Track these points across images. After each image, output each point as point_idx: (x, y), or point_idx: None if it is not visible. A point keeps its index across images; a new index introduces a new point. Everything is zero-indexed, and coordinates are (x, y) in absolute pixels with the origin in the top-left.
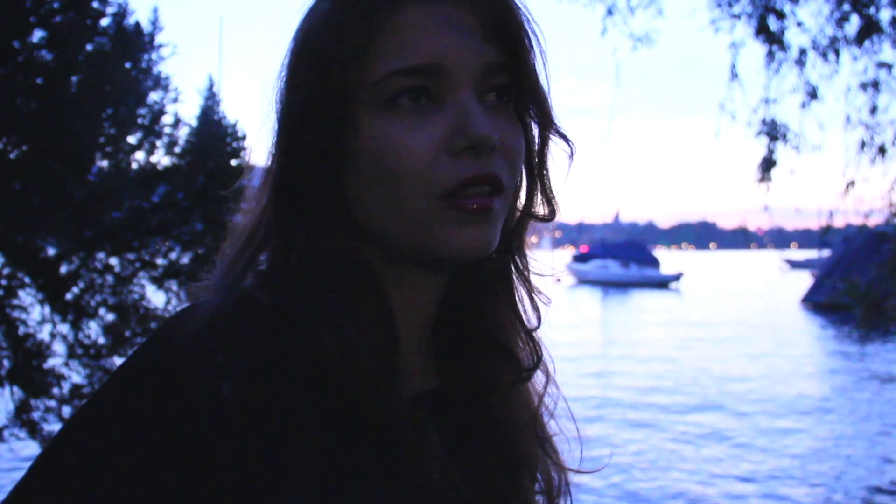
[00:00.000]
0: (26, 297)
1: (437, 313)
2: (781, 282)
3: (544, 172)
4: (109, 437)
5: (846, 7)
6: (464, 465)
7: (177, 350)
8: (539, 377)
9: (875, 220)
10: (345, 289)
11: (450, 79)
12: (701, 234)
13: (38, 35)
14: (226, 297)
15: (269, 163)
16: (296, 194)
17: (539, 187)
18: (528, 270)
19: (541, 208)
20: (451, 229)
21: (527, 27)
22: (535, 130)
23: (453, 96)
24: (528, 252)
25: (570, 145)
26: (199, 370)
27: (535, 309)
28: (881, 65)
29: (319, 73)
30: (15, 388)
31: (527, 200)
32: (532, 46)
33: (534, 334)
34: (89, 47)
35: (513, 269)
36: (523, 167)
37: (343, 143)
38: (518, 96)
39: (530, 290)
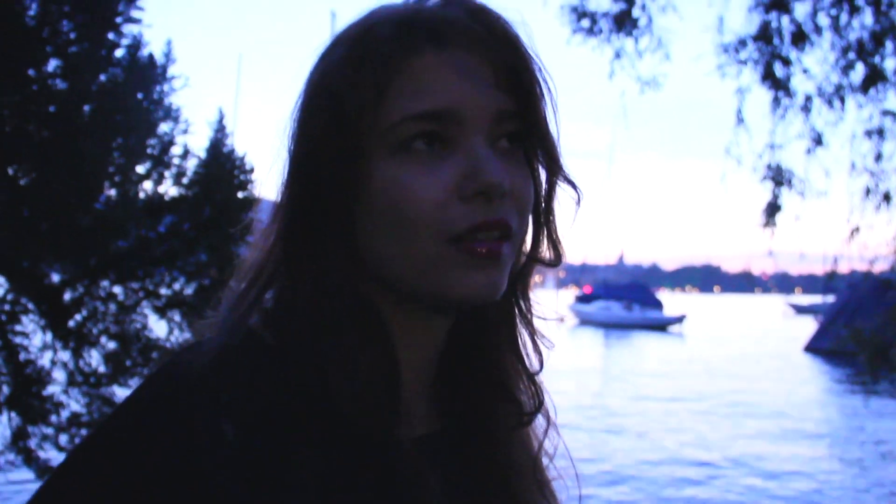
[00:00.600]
0: (28, 322)
1: (441, 355)
2: (785, 327)
3: (551, 218)
4: (111, 474)
5: (851, 55)
6: None
7: (181, 388)
8: (540, 421)
9: (880, 267)
10: (352, 331)
11: (463, 125)
12: (705, 278)
13: (53, 64)
14: (231, 336)
15: (280, 200)
16: (306, 234)
17: (545, 232)
18: (532, 314)
19: (547, 253)
20: (459, 273)
21: (538, 76)
22: (543, 176)
23: (466, 142)
24: (531, 295)
25: (577, 192)
26: (202, 409)
27: (538, 352)
28: (886, 112)
29: (334, 117)
30: (13, 415)
31: (533, 245)
32: (543, 94)
33: (535, 378)
34: (103, 77)
35: (516, 312)
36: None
37: (355, 184)
38: (528, 143)
39: (533, 333)
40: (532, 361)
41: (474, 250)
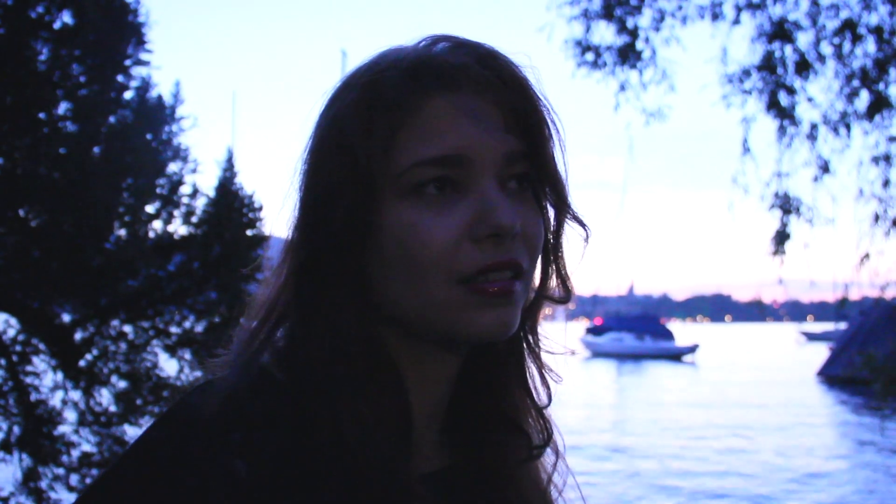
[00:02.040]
0: (40, 362)
1: (451, 391)
2: (798, 354)
3: (560, 254)
4: None
5: (855, 83)
6: None
7: (193, 428)
8: (549, 455)
9: (891, 293)
10: (363, 371)
11: (473, 168)
12: (716, 307)
13: (63, 107)
14: (243, 374)
15: (291, 240)
16: (317, 275)
17: (554, 269)
18: (540, 348)
19: (556, 289)
20: (472, 313)
21: (546, 117)
22: (552, 214)
23: (476, 185)
24: (540, 330)
25: (585, 229)
26: (214, 448)
27: (546, 386)
28: (892, 139)
29: (346, 162)
30: (24, 455)
31: (542, 281)
32: (551, 135)
33: (544, 412)
34: (112, 119)
35: (525, 346)
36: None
37: (367, 228)
38: (537, 182)
39: (541, 367)
40: (540, 395)
41: (486, 290)
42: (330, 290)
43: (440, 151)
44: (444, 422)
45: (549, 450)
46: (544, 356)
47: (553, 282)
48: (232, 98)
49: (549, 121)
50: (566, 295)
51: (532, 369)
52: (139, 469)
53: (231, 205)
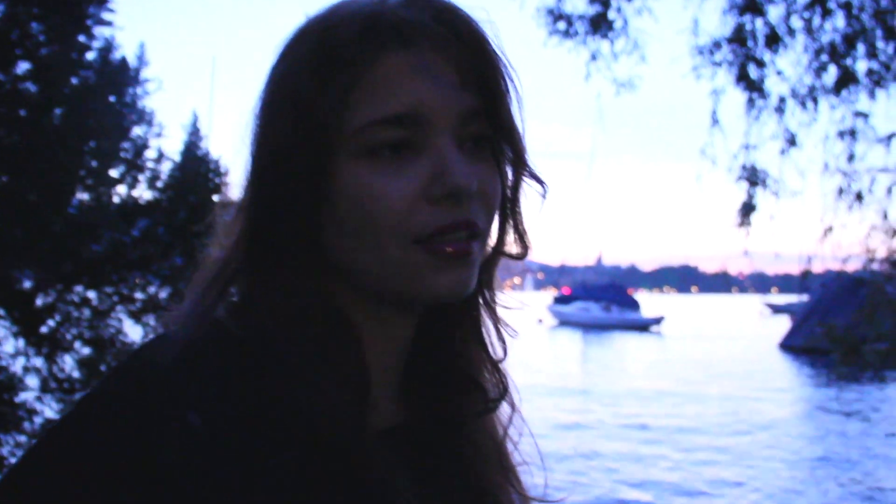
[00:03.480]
0: (0, 329)
1: (409, 347)
2: (762, 326)
3: (517, 210)
4: (73, 470)
5: (824, 58)
6: (431, 497)
7: (146, 381)
8: (504, 408)
9: (853, 266)
10: (315, 329)
11: (429, 126)
12: (683, 278)
13: (22, 67)
14: (197, 327)
15: (242, 199)
16: (270, 234)
17: (512, 225)
18: (496, 303)
19: (513, 246)
20: (429, 274)
21: (503, 73)
22: (510, 171)
23: (432, 144)
24: (496, 285)
25: (543, 186)
26: (168, 401)
27: (502, 340)
28: (858, 114)
29: (298, 119)
30: None
31: (499, 237)
32: (508, 91)
33: (500, 365)
34: (74, 80)
35: (481, 302)
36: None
37: (321, 187)
38: (494, 139)
39: (497, 322)
40: (496, 349)
41: (442, 251)
42: (282, 250)
43: (395, 110)
44: (401, 378)
45: (505, 403)
46: (500, 311)
47: (510, 237)
48: (212, 63)
49: (506, 76)
50: (523, 251)
51: (488, 324)
52: (91, 421)
53: (197, 169)
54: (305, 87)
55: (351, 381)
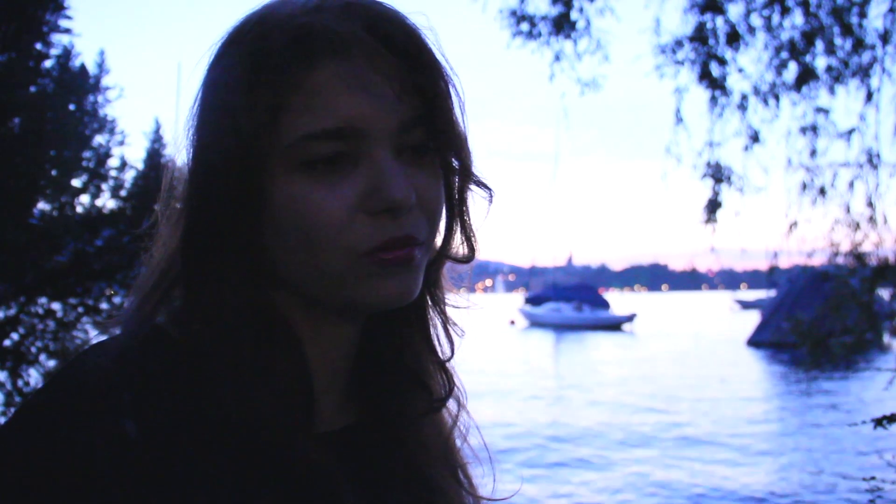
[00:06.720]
0: None
1: (355, 350)
2: (731, 322)
3: (464, 211)
4: (7, 479)
5: (784, 55)
6: (376, 499)
7: (82, 388)
8: (452, 406)
9: (818, 260)
10: (250, 335)
11: (365, 139)
12: (653, 276)
13: None
14: (136, 333)
15: (181, 205)
16: (203, 241)
17: (458, 228)
18: (444, 303)
19: (460, 248)
20: (372, 282)
21: (442, 78)
22: (455, 174)
23: (369, 156)
24: (443, 285)
25: (489, 192)
26: (103, 408)
27: (450, 340)
28: (819, 110)
29: (229, 130)
30: None
31: (444, 240)
32: (449, 97)
33: (447, 364)
34: (32, 89)
35: (428, 301)
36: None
37: (256, 199)
38: (436, 145)
39: (445, 321)
40: (444, 349)
41: (384, 260)
42: (216, 258)
43: (329, 124)
44: (349, 380)
45: (452, 401)
46: (448, 310)
47: (457, 240)
48: (177, 69)
49: (446, 79)
50: (470, 253)
51: (436, 323)
52: (25, 432)
53: (161, 178)
54: (235, 96)
55: (289, 386)
